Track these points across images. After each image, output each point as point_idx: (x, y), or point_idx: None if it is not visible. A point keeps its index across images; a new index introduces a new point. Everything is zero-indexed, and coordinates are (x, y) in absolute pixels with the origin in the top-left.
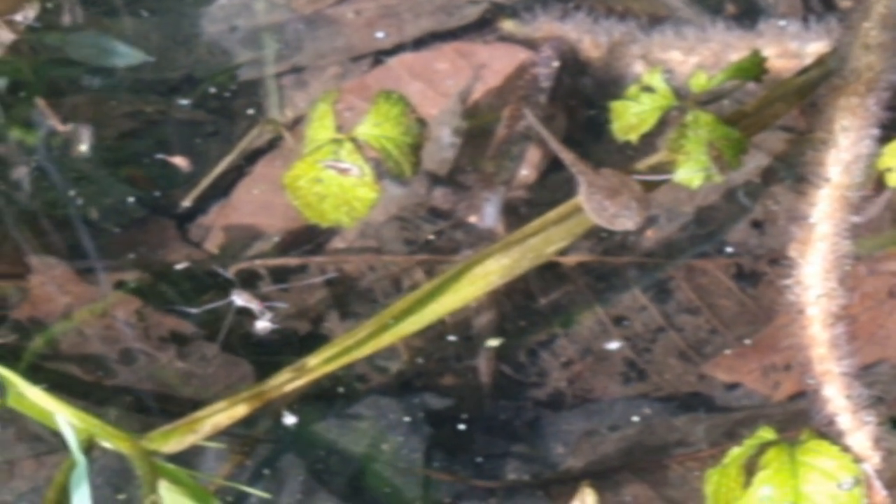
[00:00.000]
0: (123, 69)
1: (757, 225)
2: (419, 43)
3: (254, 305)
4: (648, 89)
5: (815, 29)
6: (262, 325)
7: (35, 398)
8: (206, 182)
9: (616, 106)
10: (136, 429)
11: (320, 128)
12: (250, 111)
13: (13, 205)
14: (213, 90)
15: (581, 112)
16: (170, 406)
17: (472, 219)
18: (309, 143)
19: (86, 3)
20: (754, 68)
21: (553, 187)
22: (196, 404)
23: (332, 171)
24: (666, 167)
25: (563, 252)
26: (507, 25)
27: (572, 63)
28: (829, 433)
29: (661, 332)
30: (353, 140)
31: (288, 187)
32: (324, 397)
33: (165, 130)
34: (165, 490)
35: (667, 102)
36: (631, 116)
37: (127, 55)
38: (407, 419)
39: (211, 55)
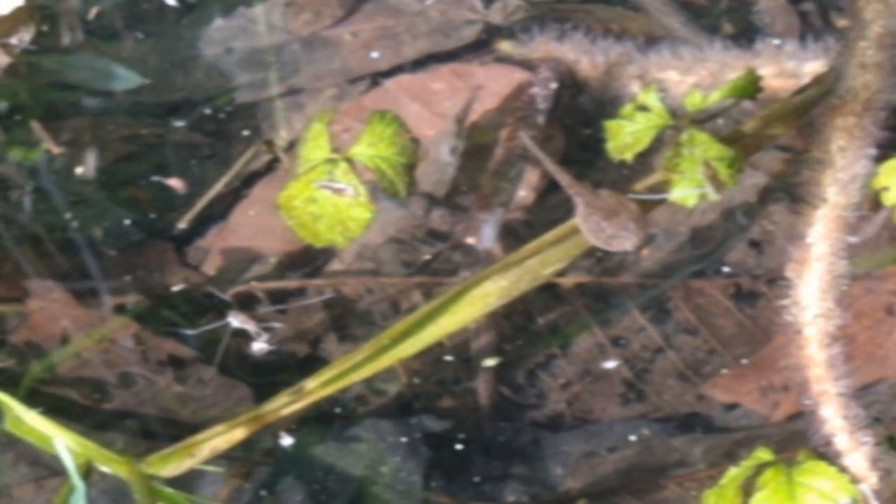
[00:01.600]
0: (121, 91)
1: (755, 245)
2: (416, 64)
3: (250, 327)
4: (643, 108)
5: (812, 48)
6: (259, 346)
7: (33, 423)
8: (201, 204)
9: (611, 125)
10: (135, 453)
11: (315, 148)
12: (247, 133)
13: (11, 228)
14: (209, 112)
15: (578, 132)
16: (168, 430)
17: (470, 240)
18: (303, 162)
19: (83, 26)
20: (749, 86)
21: (551, 208)
22: (194, 427)
23: (326, 192)
24: (663, 187)
25: (561, 273)
26: (504, 46)
27: (570, 83)
28: (826, 453)
29: (659, 352)
30: (348, 160)
31: (282, 207)
32: (322, 420)
33: (162, 153)
34: None
35: (662, 121)
36: (626, 136)
37: (125, 78)
38: (405, 441)
39: (208, 78)
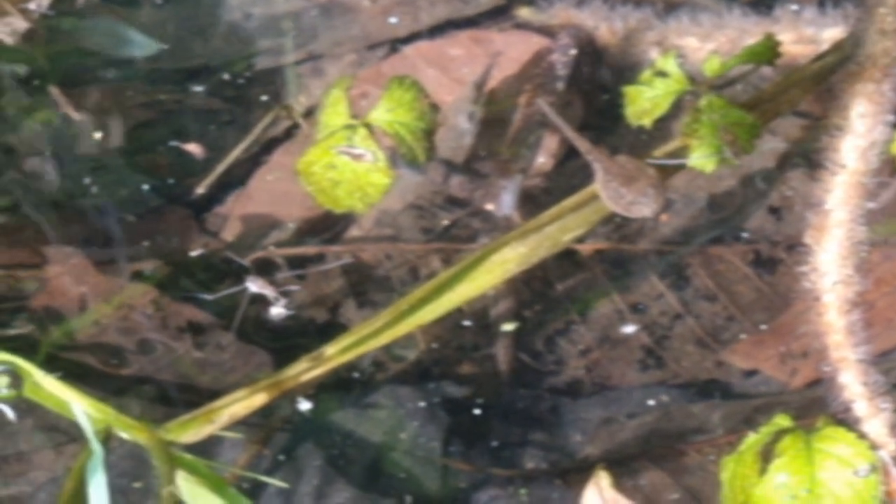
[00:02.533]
0: (140, 58)
1: (774, 211)
2: (435, 30)
3: (268, 292)
4: (662, 74)
5: (831, 14)
6: (277, 311)
7: (52, 388)
8: (220, 169)
9: (630, 91)
10: (154, 419)
11: (334, 114)
12: (266, 99)
13: (30, 194)
14: (228, 78)
15: (597, 99)
16: (187, 395)
17: (489, 206)
18: (322, 128)
19: None
20: (767, 52)
21: (570, 174)
22: (214, 393)
23: (345, 157)
24: (682, 153)
25: (580, 239)
26: (523, 12)
27: (589, 50)
28: (845, 420)
29: (678, 318)
30: (367, 126)
31: (302, 173)
32: (341, 386)
33: (181, 119)
34: (183, 480)
35: (680, 87)
36: (644, 101)
37: (143, 44)
38: (424, 407)
39: (227, 44)
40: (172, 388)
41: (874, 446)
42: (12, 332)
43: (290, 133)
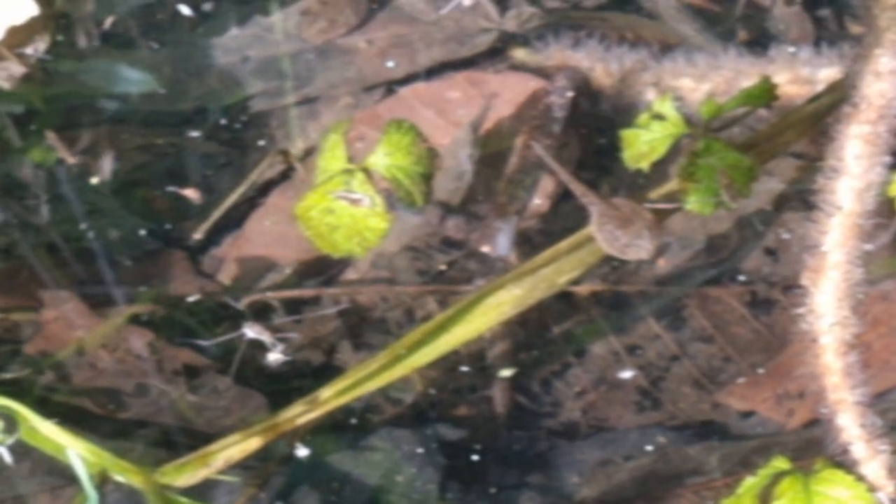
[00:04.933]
0: (136, 100)
1: (770, 252)
2: (431, 72)
3: (265, 338)
4: (659, 117)
5: (826, 55)
6: (275, 356)
7: (47, 432)
8: (217, 214)
9: (627, 134)
10: (150, 462)
11: (332, 158)
12: (262, 142)
13: (26, 237)
14: (224, 121)
15: (593, 140)
16: (183, 439)
17: (485, 248)
18: (320, 173)
19: (98, 36)
20: (764, 94)
21: (566, 216)
22: (210, 437)
23: (343, 202)
24: (678, 195)
25: (577, 281)
26: (519, 54)
27: (585, 91)
28: (843, 462)
29: (674, 360)
30: (365, 170)
31: (300, 218)
32: (337, 428)
33: (177, 163)
34: None
35: (677, 130)
36: (642, 145)
37: (141, 82)
38: (421, 450)
39: (223, 86)
40: (169, 432)
41: (872, 488)
42: (8, 375)
43: (286, 175)
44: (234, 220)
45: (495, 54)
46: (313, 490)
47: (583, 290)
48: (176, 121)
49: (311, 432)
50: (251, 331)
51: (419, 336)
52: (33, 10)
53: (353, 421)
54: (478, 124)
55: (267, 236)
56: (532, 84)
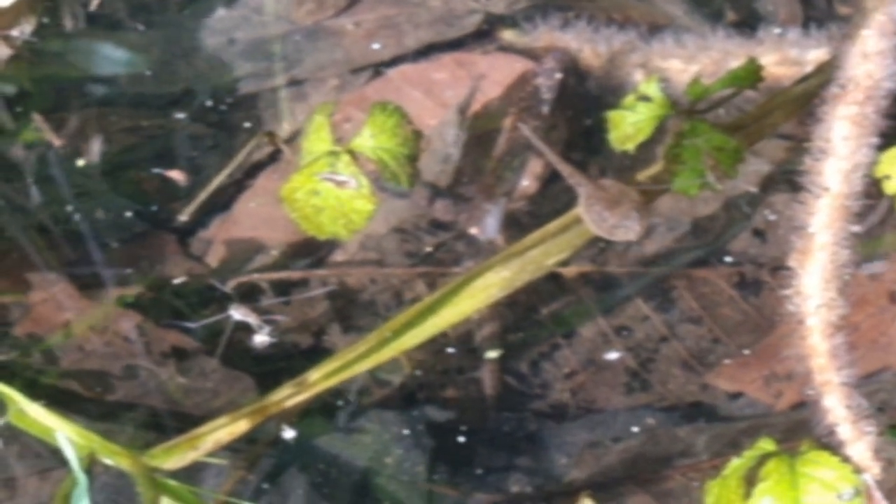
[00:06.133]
0: (123, 82)
1: (758, 233)
2: (418, 54)
3: (251, 319)
4: (645, 98)
5: (815, 36)
6: (261, 339)
7: (36, 415)
8: (203, 196)
9: (613, 116)
10: (138, 445)
11: (317, 140)
12: (249, 124)
13: (13, 220)
14: (211, 103)
15: (581, 121)
16: (171, 421)
17: (473, 230)
18: (306, 155)
19: (85, 17)
20: (750, 76)
21: (554, 197)
22: (198, 419)
23: (329, 184)
24: (665, 176)
25: (565, 263)
26: (507, 35)
27: (573, 72)
28: (829, 443)
29: (663, 341)
30: (350, 152)
31: (285, 200)
32: (326, 411)
33: (165, 144)
34: None
35: (663, 111)
36: (627, 126)
37: (128, 62)
38: (409, 432)
39: (211, 68)
40: (157, 414)
41: (858, 470)
42: None
43: (274, 157)
44: (223, 202)
45: (483, 36)
46: (302, 472)
47: (571, 271)
48: (163, 103)
49: (299, 414)
50: (237, 313)
51: (407, 318)
52: None
53: (341, 403)
54: (465, 106)
55: (255, 218)
56: (520, 65)
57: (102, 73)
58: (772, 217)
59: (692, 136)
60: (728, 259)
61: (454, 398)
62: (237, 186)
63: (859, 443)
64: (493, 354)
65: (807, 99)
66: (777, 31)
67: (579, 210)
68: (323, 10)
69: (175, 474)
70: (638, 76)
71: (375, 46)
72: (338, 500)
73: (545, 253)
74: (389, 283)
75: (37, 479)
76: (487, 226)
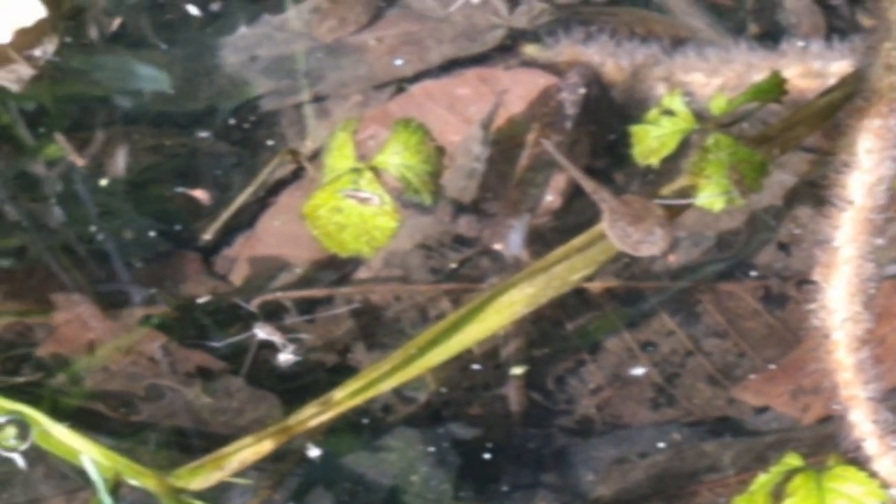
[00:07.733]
0: (146, 101)
1: (783, 247)
2: (441, 69)
3: (276, 338)
4: (669, 113)
5: (838, 48)
6: (286, 357)
7: (61, 436)
8: (226, 214)
9: (636, 130)
10: (163, 465)
11: (340, 157)
12: (272, 142)
13: (38, 239)
14: (234, 121)
15: (604, 136)
16: (197, 441)
17: (498, 246)
18: (328, 172)
19: (107, 36)
20: (774, 89)
21: (579, 213)
22: (223, 439)
23: (351, 201)
24: (689, 191)
25: (590, 278)
26: (530, 50)
27: (596, 87)
28: (856, 458)
29: (689, 356)
30: (373, 169)
31: (308, 217)
32: (351, 429)
33: (188, 163)
34: None
35: (687, 126)
36: (651, 140)
37: (152, 79)
38: (435, 450)
39: (233, 86)
40: (182, 435)
41: (885, 484)
42: (21, 379)
43: (297, 174)
44: (246, 220)
45: (506, 51)
46: (327, 491)
47: (596, 286)
48: (186, 121)
49: (324, 433)
50: (262, 332)
51: (432, 335)
52: (41, 12)
53: (367, 421)
54: (489, 121)
55: (279, 236)
56: (543, 80)
57: (125, 92)
58: (796, 230)
59: (716, 150)
60: (753, 273)
61: (480, 415)
62: (260, 204)
63: (886, 458)
64: (518, 371)
65: (831, 111)
66: (800, 43)
67: (603, 225)
68: (345, 27)
69: (201, 494)
70: (661, 90)
71: (398, 62)
72: None
73: (570, 269)
74: (414, 300)
75: (63, 500)
76: (512, 241)
